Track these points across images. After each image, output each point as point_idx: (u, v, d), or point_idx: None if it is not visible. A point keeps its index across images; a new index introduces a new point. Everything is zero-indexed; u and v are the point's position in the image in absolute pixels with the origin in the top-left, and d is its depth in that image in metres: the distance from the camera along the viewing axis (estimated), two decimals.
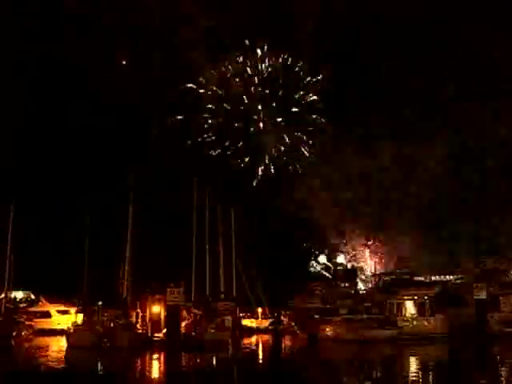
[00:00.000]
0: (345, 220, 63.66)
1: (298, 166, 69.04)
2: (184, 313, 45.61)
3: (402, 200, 60.38)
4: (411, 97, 62.61)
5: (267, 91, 69.25)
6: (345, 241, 66.02)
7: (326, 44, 62.91)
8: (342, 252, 64.95)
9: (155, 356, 38.97)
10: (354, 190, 62.50)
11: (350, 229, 64.68)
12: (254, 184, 66.78)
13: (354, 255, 64.74)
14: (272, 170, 69.54)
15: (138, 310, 45.59)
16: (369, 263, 63.71)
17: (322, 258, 63.53)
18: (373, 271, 61.59)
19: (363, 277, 62.34)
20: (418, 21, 61.92)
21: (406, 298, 47.05)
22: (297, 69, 69.91)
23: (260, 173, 68.39)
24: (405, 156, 61.48)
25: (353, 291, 51.26)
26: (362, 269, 63.38)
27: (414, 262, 58.37)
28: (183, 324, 44.27)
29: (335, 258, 65.38)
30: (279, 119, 69.56)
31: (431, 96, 62.73)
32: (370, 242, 64.92)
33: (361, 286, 59.27)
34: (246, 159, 68.42)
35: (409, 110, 62.24)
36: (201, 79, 68.44)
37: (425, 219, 59.69)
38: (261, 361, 39.64)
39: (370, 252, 64.38)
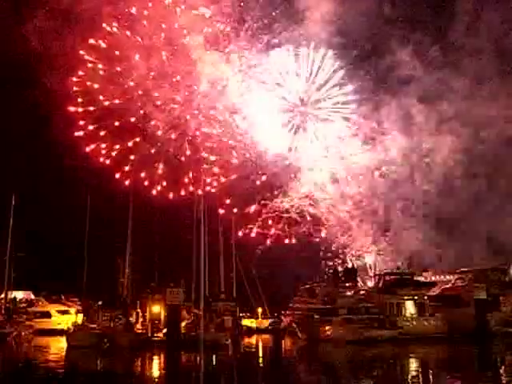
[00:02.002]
0: (352, 217, 63.08)
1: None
2: (184, 313, 45.63)
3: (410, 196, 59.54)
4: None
5: None
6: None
7: None
8: (347, 250, 64.33)
9: (155, 356, 38.97)
10: (362, 186, 61.69)
11: (357, 226, 63.77)
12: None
13: (360, 254, 63.99)
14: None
15: (138, 310, 45.63)
16: (372, 261, 62.97)
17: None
18: (377, 270, 61.03)
19: (365, 276, 61.78)
20: None
21: (406, 298, 47.06)
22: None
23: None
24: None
25: (353, 291, 51.21)
26: (365, 268, 62.64)
27: (420, 259, 57.94)
28: (183, 324, 44.28)
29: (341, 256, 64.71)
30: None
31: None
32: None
33: (361, 285, 58.96)
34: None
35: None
36: None
37: (434, 217, 58.84)
38: (261, 361, 39.63)
39: (376, 250, 63.54)
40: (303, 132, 65.37)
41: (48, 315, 53.13)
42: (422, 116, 60.15)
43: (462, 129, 57.56)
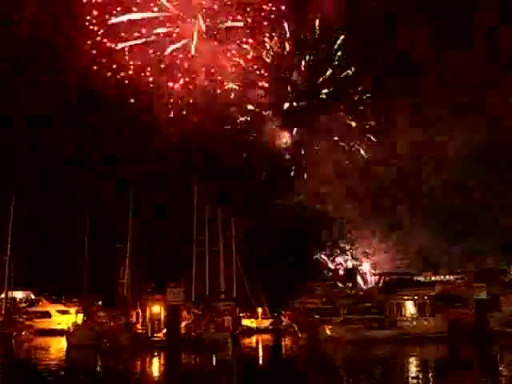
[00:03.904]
0: (357, 215, 62.76)
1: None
2: (184, 313, 45.63)
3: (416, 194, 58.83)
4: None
5: None
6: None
7: None
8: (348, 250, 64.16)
9: (155, 356, 38.94)
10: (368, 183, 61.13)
11: (362, 224, 63.31)
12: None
13: (365, 253, 63.69)
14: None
15: (138, 310, 45.60)
16: (373, 261, 62.90)
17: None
18: (379, 270, 60.88)
19: (366, 276, 61.75)
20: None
21: (406, 297, 47.03)
22: None
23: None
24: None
25: (353, 291, 51.25)
26: (368, 267, 62.42)
27: (429, 258, 57.67)
28: (183, 324, 44.28)
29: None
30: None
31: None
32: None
33: (362, 285, 59.02)
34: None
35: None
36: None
37: (440, 215, 58.29)
38: (261, 361, 39.62)
39: (381, 250, 63.21)
40: (308, 126, 65.14)
41: (48, 315, 53.13)
42: (433, 107, 58.85)
43: (476, 119, 56.09)
